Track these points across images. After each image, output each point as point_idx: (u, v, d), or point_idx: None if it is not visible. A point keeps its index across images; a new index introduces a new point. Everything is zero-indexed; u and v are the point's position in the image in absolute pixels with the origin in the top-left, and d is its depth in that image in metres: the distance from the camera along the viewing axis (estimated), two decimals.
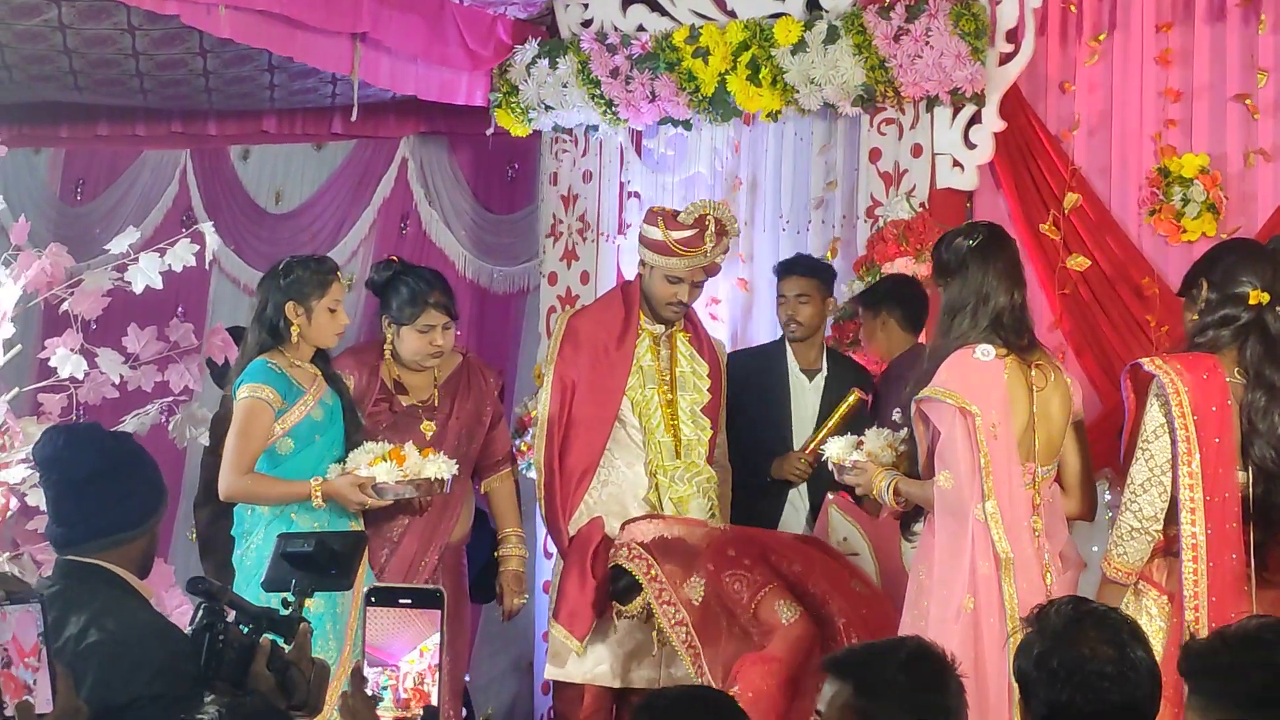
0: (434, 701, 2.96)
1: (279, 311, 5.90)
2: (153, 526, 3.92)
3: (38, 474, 4.02)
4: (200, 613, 3.44)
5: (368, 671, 3.01)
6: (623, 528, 6.05)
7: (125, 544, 3.83)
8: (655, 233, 6.17)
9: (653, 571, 5.86)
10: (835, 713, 3.52)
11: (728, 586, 5.84)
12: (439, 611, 3.00)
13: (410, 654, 2.98)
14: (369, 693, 3.06)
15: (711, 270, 6.25)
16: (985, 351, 5.10)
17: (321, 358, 6.03)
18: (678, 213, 6.19)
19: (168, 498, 3.99)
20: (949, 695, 3.57)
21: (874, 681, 3.52)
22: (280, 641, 3.49)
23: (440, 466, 5.74)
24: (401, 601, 3.00)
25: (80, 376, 5.98)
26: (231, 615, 3.51)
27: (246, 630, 3.46)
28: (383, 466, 5.69)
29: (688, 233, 6.11)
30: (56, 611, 3.57)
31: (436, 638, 2.98)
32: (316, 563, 3.62)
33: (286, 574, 3.63)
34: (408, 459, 5.73)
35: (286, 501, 5.83)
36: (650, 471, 6.24)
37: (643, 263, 6.30)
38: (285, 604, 3.57)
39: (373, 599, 3.01)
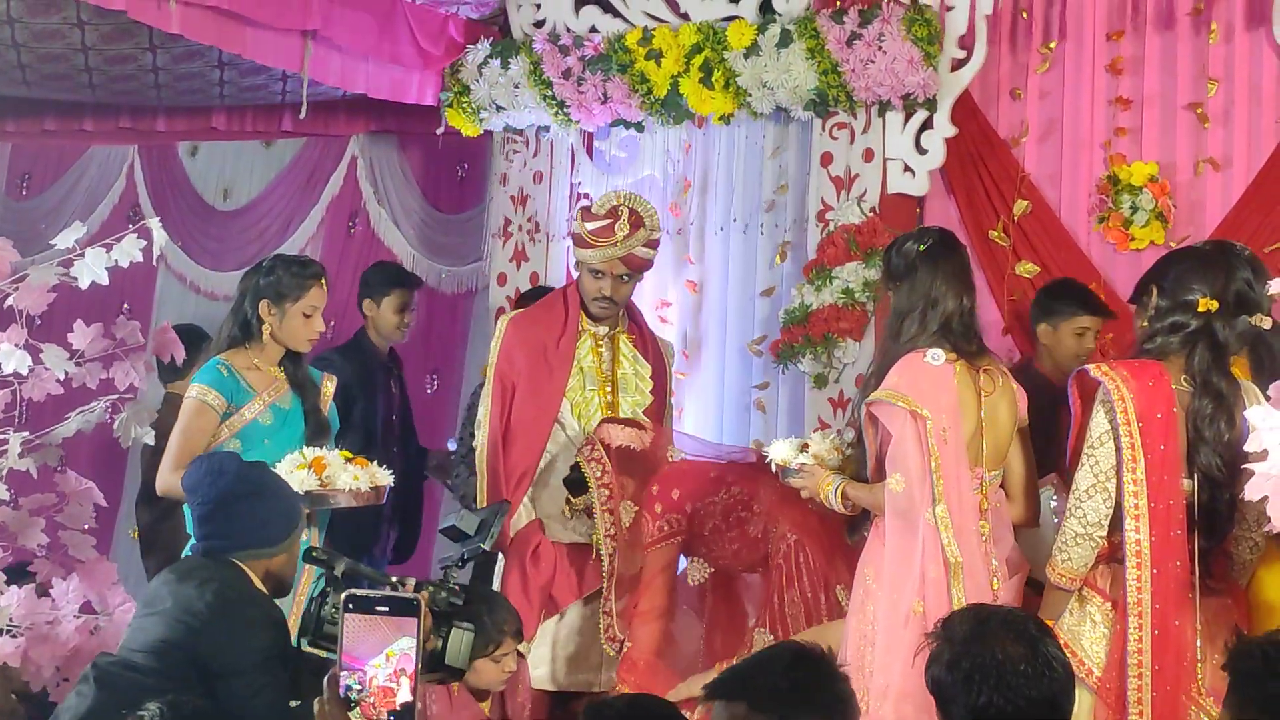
0: (398, 705, 2.96)
1: (253, 308, 5.93)
2: (290, 546, 4.51)
3: (186, 498, 4.66)
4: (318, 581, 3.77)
5: (340, 675, 3.02)
6: (601, 423, 6.10)
7: (265, 557, 4.42)
8: (575, 225, 6.24)
9: (605, 478, 5.92)
10: None
11: (641, 520, 5.95)
12: (414, 620, 3.01)
13: (377, 658, 2.99)
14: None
15: (632, 263, 6.22)
16: (935, 356, 5.12)
17: (293, 360, 6.03)
18: (593, 204, 6.23)
19: (303, 519, 4.40)
20: (835, 690, 3.63)
21: (762, 694, 3.56)
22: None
23: (356, 478, 5.71)
24: (379, 609, 3.02)
25: (24, 372, 5.92)
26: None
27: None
28: (298, 475, 5.68)
29: (600, 223, 6.14)
30: (183, 570, 4.38)
31: (407, 643, 2.99)
32: (463, 533, 3.88)
33: (448, 549, 3.93)
34: (328, 468, 5.71)
35: None
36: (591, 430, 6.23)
37: (577, 262, 6.33)
38: (444, 572, 3.82)
39: (350, 605, 3.02)
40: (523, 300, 7.48)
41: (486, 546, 4.18)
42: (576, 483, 6.06)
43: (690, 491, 5.95)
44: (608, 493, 5.96)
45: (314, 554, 3.89)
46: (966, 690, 3.41)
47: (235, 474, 4.55)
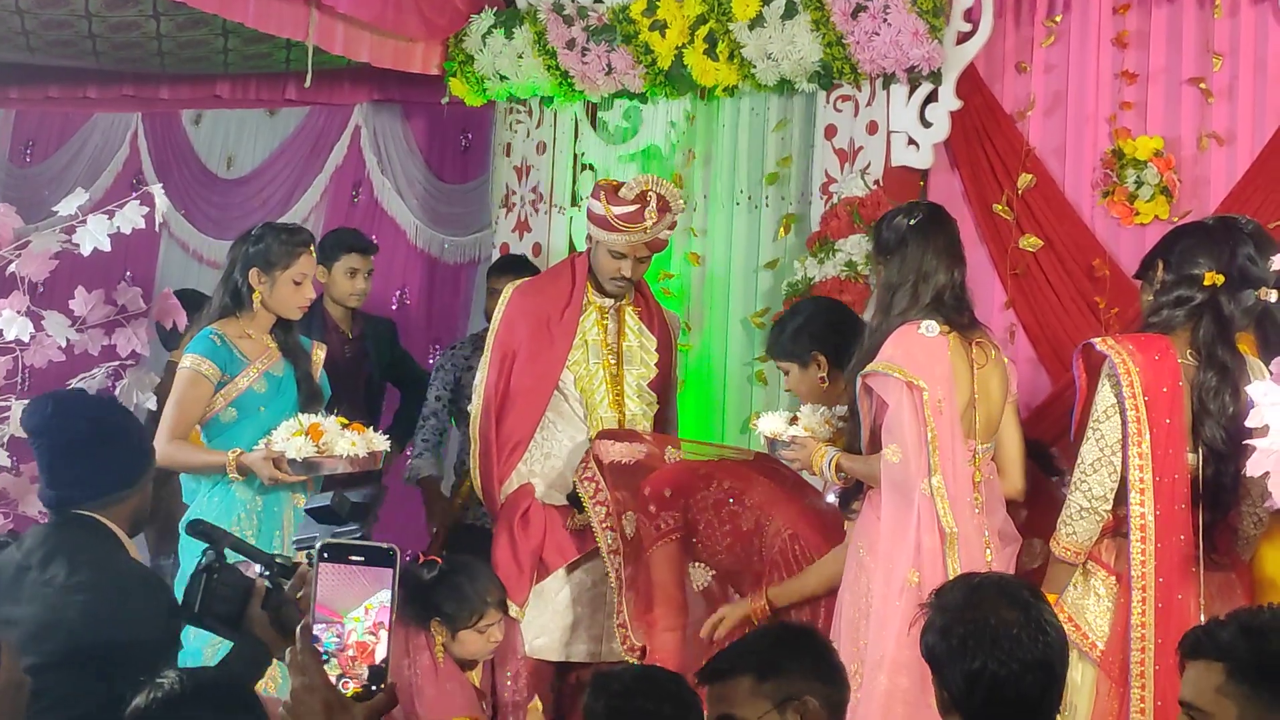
0: (377, 660, 2.93)
1: (243, 277, 5.92)
2: (143, 485, 4.18)
3: (29, 440, 4.24)
4: (200, 555, 3.61)
5: (315, 629, 2.99)
6: (596, 438, 6.10)
7: (119, 502, 4.09)
8: (598, 207, 6.17)
9: (600, 495, 5.96)
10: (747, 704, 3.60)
11: (640, 525, 5.92)
12: (390, 570, 2.98)
13: (356, 610, 2.95)
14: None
15: (655, 246, 6.24)
16: (930, 328, 5.14)
17: (283, 327, 6.02)
18: (620, 187, 6.20)
19: (154, 457, 4.21)
20: (832, 659, 3.79)
21: (768, 664, 3.61)
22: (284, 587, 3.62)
23: (353, 444, 5.73)
24: (353, 559, 2.98)
25: (26, 339, 5.94)
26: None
27: (266, 574, 3.60)
28: (295, 442, 5.69)
29: (629, 208, 6.10)
30: (44, 553, 3.94)
31: (385, 595, 2.96)
32: (336, 515, 3.78)
33: (313, 530, 3.79)
34: (325, 434, 5.71)
35: (207, 471, 5.84)
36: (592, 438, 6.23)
37: (589, 236, 6.31)
38: (308, 558, 3.70)
39: (325, 555, 2.99)
40: (495, 270, 7.55)
41: (361, 532, 4.09)
42: (576, 499, 6.10)
43: (681, 488, 5.92)
44: (605, 510, 5.98)
45: (199, 528, 3.78)
46: (961, 656, 3.41)
47: (88, 413, 4.23)
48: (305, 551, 3.76)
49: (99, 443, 4.10)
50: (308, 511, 3.93)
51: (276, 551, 3.88)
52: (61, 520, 4.07)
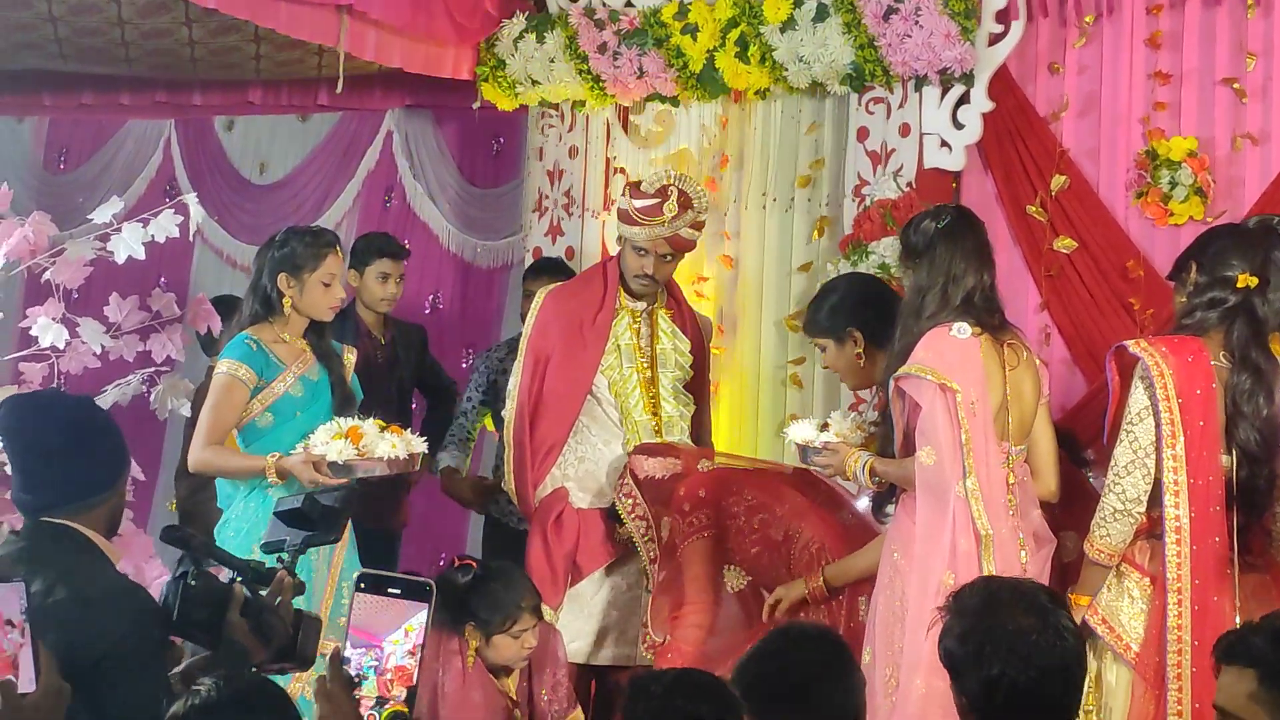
0: (415, 682, 2.93)
1: (272, 282, 5.93)
2: (120, 488, 4.00)
3: (2, 443, 4.10)
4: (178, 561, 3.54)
5: (351, 653, 2.98)
6: (631, 454, 6.15)
7: (94, 506, 3.90)
8: (622, 201, 6.23)
9: (639, 510, 6.02)
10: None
11: (673, 525, 5.95)
12: (427, 604, 2.98)
13: (395, 634, 2.95)
14: (352, 674, 3.04)
15: (677, 244, 6.22)
16: (961, 329, 5.13)
17: (316, 331, 6.03)
18: (642, 181, 6.22)
19: (130, 458, 4.08)
20: (824, 686, 3.77)
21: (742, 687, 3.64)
22: (262, 593, 3.57)
23: (394, 446, 5.73)
24: (391, 591, 2.98)
25: (61, 346, 5.96)
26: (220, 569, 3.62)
27: (241, 580, 3.54)
28: (335, 445, 5.68)
29: (649, 201, 6.13)
30: (22, 569, 3.70)
31: (422, 616, 2.96)
32: (307, 518, 3.73)
33: (281, 533, 3.75)
34: (365, 436, 5.71)
35: (246, 476, 5.85)
36: (628, 450, 6.24)
37: (619, 237, 6.33)
38: (280, 561, 3.66)
39: (363, 585, 2.99)
40: (532, 272, 7.58)
41: (333, 540, 4.02)
42: (617, 513, 6.16)
43: (715, 489, 5.94)
44: (645, 524, 6.06)
45: (173, 534, 3.69)
46: (979, 662, 3.42)
47: (63, 414, 4.03)
48: (275, 555, 3.75)
49: (75, 444, 3.94)
50: (276, 514, 3.89)
51: (251, 558, 3.83)
52: (35, 530, 3.91)
